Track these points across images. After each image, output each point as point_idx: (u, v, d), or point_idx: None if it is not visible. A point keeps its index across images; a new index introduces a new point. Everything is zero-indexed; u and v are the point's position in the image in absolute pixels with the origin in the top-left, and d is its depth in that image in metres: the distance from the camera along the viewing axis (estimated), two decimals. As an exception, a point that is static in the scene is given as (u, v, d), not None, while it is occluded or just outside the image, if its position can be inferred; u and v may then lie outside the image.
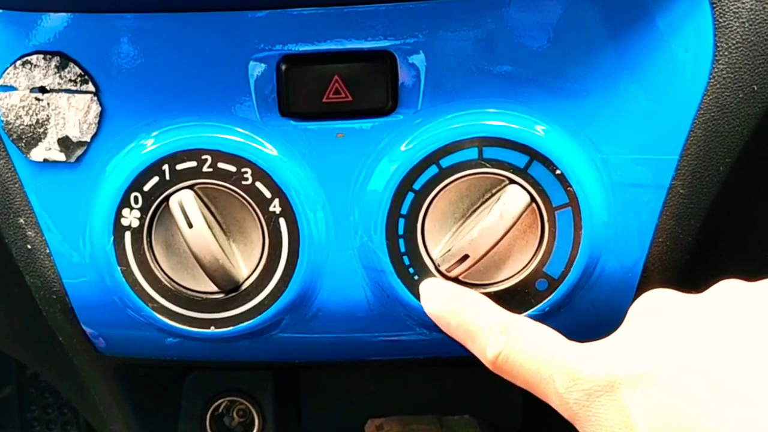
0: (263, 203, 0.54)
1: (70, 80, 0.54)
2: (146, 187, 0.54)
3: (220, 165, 0.54)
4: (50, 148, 0.55)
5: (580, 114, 0.54)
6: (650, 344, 0.41)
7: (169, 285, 0.56)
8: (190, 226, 0.53)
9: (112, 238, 0.55)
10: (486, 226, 0.52)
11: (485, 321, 0.47)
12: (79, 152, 0.55)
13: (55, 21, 0.54)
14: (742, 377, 0.38)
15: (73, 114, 0.55)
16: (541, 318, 0.55)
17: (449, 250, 0.54)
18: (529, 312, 0.55)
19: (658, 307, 0.44)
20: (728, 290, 0.43)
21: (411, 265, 0.55)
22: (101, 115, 0.55)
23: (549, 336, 0.45)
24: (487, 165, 0.53)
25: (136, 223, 0.55)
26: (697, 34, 0.53)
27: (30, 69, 0.54)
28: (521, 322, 0.47)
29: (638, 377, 0.40)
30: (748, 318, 0.40)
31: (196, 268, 0.55)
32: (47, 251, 0.57)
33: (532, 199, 0.53)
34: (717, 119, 0.53)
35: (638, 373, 0.40)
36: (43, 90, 0.55)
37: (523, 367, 0.45)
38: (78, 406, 0.84)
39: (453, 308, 0.50)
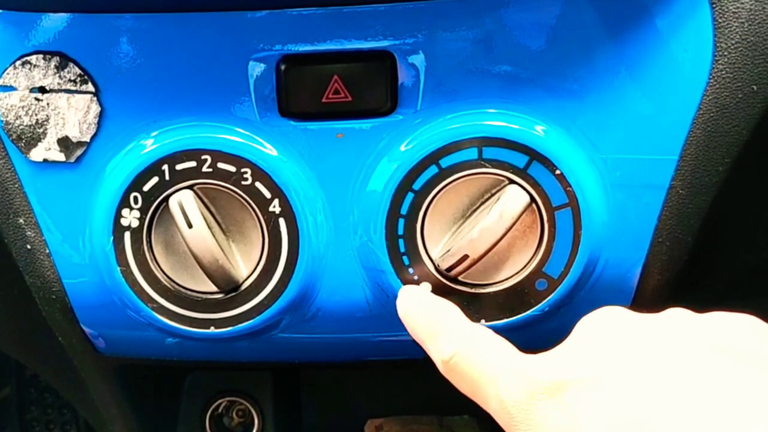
0: (263, 203, 0.54)
1: (70, 80, 0.54)
2: (146, 187, 0.54)
3: (220, 165, 0.54)
4: (50, 148, 0.55)
5: (580, 114, 0.54)
6: (598, 353, 0.42)
7: (168, 285, 0.56)
8: (190, 226, 0.53)
9: (112, 238, 0.55)
10: (486, 226, 0.52)
11: (448, 326, 0.48)
12: (78, 152, 0.55)
13: (55, 21, 0.54)
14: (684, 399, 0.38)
15: (73, 114, 0.55)
16: (541, 318, 0.56)
17: (449, 250, 0.54)
18: (529, 312, 0.55)
19: (604, 322, 0.44)
20: (675, 317, 0.43)
21: (411, 266, 0.55)
22: (101, 115, 0.55)
23: (504, 346, 0.46)
24: (487, 165, 0.53)
25: (135, 223, 0.55)
26: (696, 34, 0.53)
27: (30, 69, 0.54)
28: (481, 332, 0.47)
29: (587, 381, 0.40)
30: (688, 346, 0.41)
31: (196, 268, 0.55)
32: (47, 251, 0.57)
33: (532, 199, 0.53)
34: (716, 119, 0.53)
35: (586, 378, 0.40)
36: (42, 90, 0.55)
37: (472, 371, 0.45)
38: (77, 406, 0.84)
39: (421, 311, 0.50)
